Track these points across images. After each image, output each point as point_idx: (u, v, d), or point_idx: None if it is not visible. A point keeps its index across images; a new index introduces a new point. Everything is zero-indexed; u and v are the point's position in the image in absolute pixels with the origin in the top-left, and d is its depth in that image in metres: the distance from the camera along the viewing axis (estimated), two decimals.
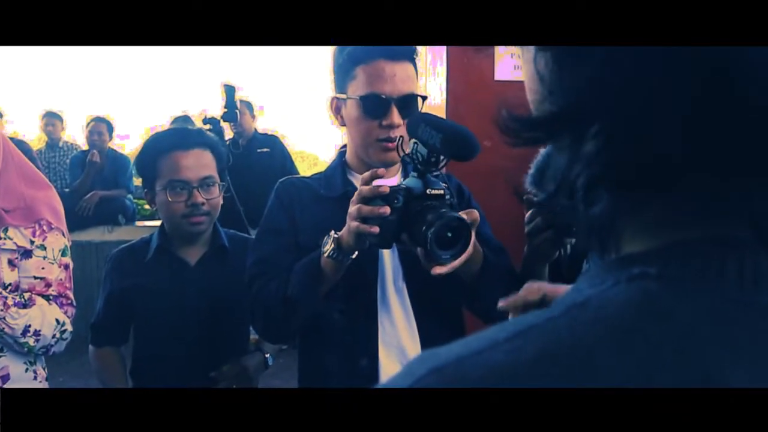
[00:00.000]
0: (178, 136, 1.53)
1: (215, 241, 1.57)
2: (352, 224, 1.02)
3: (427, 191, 1.01)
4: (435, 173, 1.03)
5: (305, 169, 4.54)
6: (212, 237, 1.57)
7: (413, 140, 1.01)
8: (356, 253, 1.07)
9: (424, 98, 1.21)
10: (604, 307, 0.30)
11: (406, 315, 1.20)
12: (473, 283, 1.13)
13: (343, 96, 1.21)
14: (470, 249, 1.01)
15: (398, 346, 1.19)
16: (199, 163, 1.48)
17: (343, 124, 1.25)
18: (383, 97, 1.15)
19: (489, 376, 0.29)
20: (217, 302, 1.51)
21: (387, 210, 0.99)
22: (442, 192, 1.01)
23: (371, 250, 1.18)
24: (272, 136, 4.26)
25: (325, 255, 1.07)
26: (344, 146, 1.30)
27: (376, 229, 1.00)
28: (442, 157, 1.00)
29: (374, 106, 1.15)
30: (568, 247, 1.22)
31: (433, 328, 1.19)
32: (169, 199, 1.46)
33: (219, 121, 3.40)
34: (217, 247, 1.56)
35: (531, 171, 1.12)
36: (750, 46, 0.29)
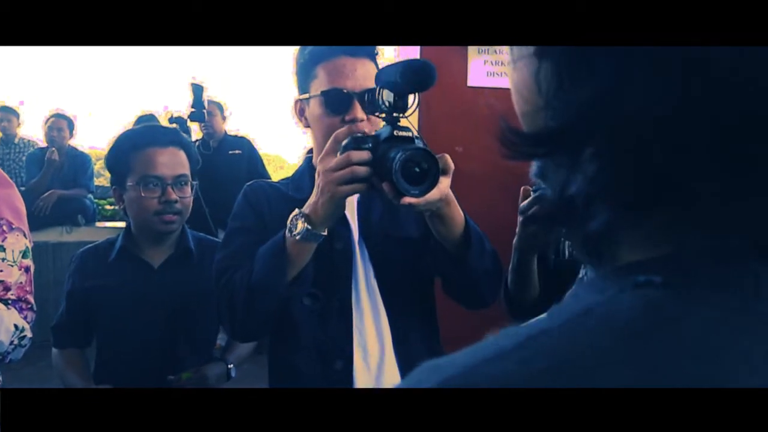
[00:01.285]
0: (155, 133, 1.52)
1: (181, 243, 1.54)
2: (331, 189, 0.99)
3: (395, 133, 0.99)
4: (402, 118, 1.01)
5: (271, 172, 4.47)
6: (178, 239, 1.54)
7: (379, 89, 1.00)
8: (326, 231, 1.04)
9: None
10: (611, 315, 0.30)
11: (378, 315, 1.17)
12: (458, 253, 1.09)
13: (306, 96, 1.20)
14: (443, 190, 0.98)
15: (372, 348, 1.16)
16: (175, 161, 1.46)
17: (307, 126, 1.24)
18: (345, 91, 1.13)
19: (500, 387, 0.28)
20: (181, 306, 1.48)
21: (367, 155, 0.98)
22: (410, 134, 0.99)
23: (343, 248, 1.17)
24: (243, 138, 4.19)
25: (297, 237, 1.03)
26: (311, 150, 1.28)
27: (354, 187, 0.98)
28: (407, 100, 1.00)
29: (336, 101, 1.14)
30: (567, 247, 1.22)
31: (406, 328, 1.18)
32: (142, 195, 1.43)
33: (186, 120, 3.32)
34: (183, 249, 1.53)
35: (534, 165, 1.10)
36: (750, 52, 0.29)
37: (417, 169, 0.94)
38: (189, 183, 1.50)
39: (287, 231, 1.04)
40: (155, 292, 1.47)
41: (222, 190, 3.63)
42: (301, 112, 1.24)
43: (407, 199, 0.94)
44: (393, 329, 1.17)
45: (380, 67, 1.18)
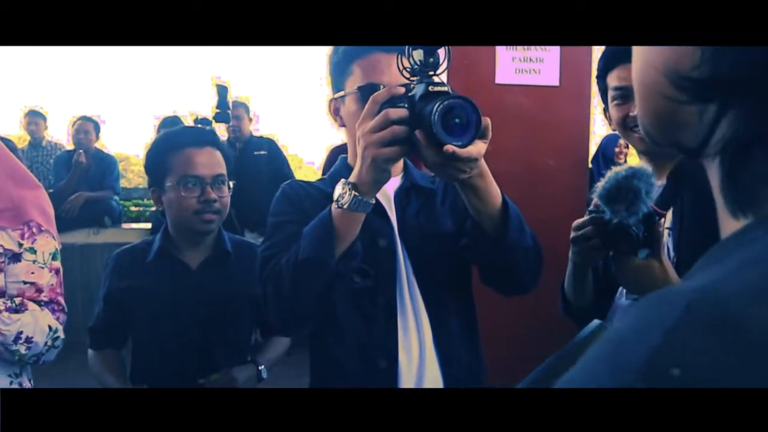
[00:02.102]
0: (192, 134, 1.54)
1: (218, 245, 1.54)
2: (372, 152, 0.95)
3: (430, 89, 0.94)
4: (436, 74, 0.97)
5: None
6: (216, 241, 1.55)
7: (408, 48, 0.97)
8: (374, 199, 1.01)
9: None
10: None
11: (419, 313, 1.16)
12: (496, 231, 1.05)
13: (342, 93, 1.19)
14: (481, 152, 0.93)
15: (413, 347, 1.14)
16: (212, 161, 1.48)
17: (342, 125, 1.23)
18: (382, 86, 1.10)
19: (748, 295, 0.27)
20: (218, 308, 1.48)
21: (404, 112, 0.94)
22: (445, 89, 0.94)
23: (387, 245, 1.15)
24: (269, 139, 4.21)
25: (345, 206, 1.00)
26: (336, 148, 1.28)
27: (395, 149, 0.95)
28: (438, 58, 0.96)
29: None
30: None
31: (446, 326, 1.16)
32: (182, 194, 1.44)
33: (211, 122, 3.33)
34: (220, 251, 1.53)
35: (601, 188, 1.10)
36: None
37: (457, 120, 0.89)
38: (226, 183, 1.51)
39: (335, 203, 1.02)
40: (192, 294, 1.47)
41: (248, 191, 3.63)
42: (336, 111, 1.23)
43: (450, 147, 0.88)
44: (433, 328, 1.15)
45: None
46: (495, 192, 1.03)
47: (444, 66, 0.97)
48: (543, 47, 2.62)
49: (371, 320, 1.14)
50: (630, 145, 1.65)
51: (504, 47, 2.62)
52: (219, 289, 1.49)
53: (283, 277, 1.04)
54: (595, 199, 1.12)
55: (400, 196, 1.22)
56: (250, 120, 4.08)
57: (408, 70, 0.97)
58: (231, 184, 1.53)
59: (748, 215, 0.34)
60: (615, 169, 1.09)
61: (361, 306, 1.14)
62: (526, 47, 2.63)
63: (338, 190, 1.01)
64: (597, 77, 1.35)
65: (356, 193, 0.99)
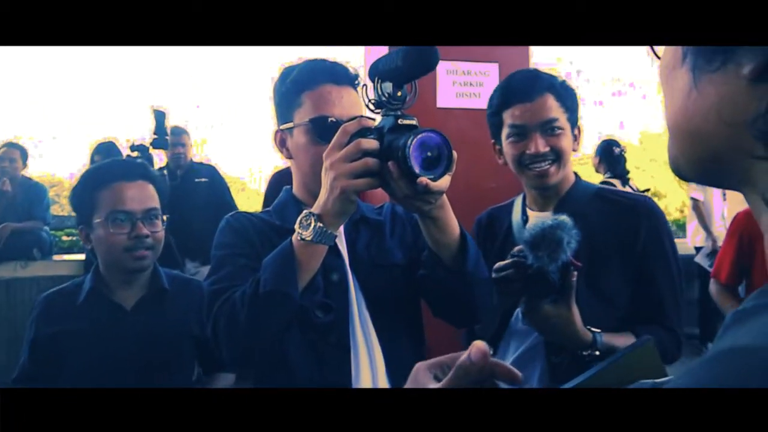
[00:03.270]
0: (122, 167, 1.47)
1: (155, 283, 1.47)
2: (342, 183, 0.94)
3: (399, 122, 0.94)
4: (403, 109, 0.96)
5: (233, 194, 4.38)
6: (151, 278, 1.48)
7: (376, 80, 0.96)
8: (338, 231, 0.99)
9: None
10: None
11: (372, 349, 1.13)
12: (455, 262, 1.05)
13: (290, 125, 1.16)
14: (446, 185, 0.94)
15: (367, 384, 1.11)
16: (144, 195, 1.42)
17: (289, 157, 1.20)
18: (332, 120, 1.11)
19: None
20: (157, 349, 1.41)
21: (375, 143, 0.93)
22: (414, 122, 0.95)
23: (340, 280, 1.12)
24: (210, 165, 4.10)
25: (308, 239, 0.97)
26: (278, 173, 1.26)
27: (367, 181, 0.93)
28: (406, 92, 0.96)
29: (323, 129, 1.11)
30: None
31: (398, 361, 1.13)
32: (111, 231, 1.37)
33: (148, 148, 3.22)
34: (157, 289, 1.46)
35: (527, 235, 1.14)
36: None
37: (429, 153, 0.90)
38: (159, 217, 1.44)
39: (296, 234, 0.99)
40: (129, 336, 1.39)
41: (189, 220, 3.53)
42: (282, 143, 1.20)
43: (424, 180, 0.88)
44: (387, 362, 1.12)
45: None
46: (454, 223, 1.04)
47: (412, 100, 0.97)
48: (483, 71, 2.68)
49: (323, 359, 1.10)
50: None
51: (444, 71, 2.66)
52: (157, 329, 1.42)
53: (238, 311, 1.00)
54: (520, 245, 1.16)
55: (350, 228, 1.20)
56: (190, 146, 3.97)
57: (374, 102, 0.96)
58: (165, 217, 1.47)
59: None
60: (541, 218, 1.14)
61: (312, 344, 1.10)
62: (466, 72, 2.67)
63: (300, 221, 0.99)
64: (492, 113, 1.36)
65: (321, 225, 0.97)
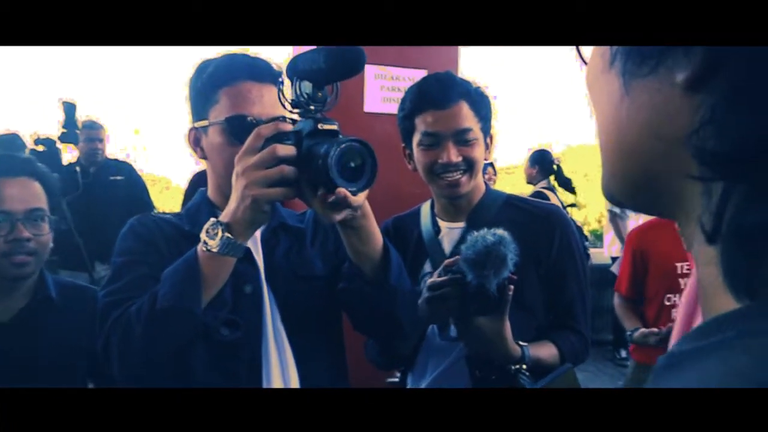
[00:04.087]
0: (2, 163, 1.30)
1: (39, 291, 1.31)
2: (255, 191, 0.87)
3: (319, 126, 0.89)
4: (323, 111, 0.92)
5: (156, 193, 4.19)
6: (35, 286, 1.32)
7: (295, 79, 0.91)
8: (247, 242, 0.93)
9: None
10: None
11: (286, 366, 1.06)
12: (377, 274, 1.00)
13: (204, 123, 1.08)
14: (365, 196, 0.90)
15: None
16: (26, 194, 1.27)
17: (203, 157, 1.12)
18: (250, 119, 1.04)
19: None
20: (41, 364, 1.25)
21: (293, 150, 0.87)
22: (335, 127, 0.89)
23: (253, 291, 1.05)
24: (125, 163, 3.89)
25: (215, 250, 0.90)
26: (200, 173, 1.19)
27: (281, 191, 0.88)
28: (327, 93, 0.91)
29: (241, 129, 1.03)
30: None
31: (314, 378, 1.08)
32: None
33: (55, 141, 3.02)
34: (42, 299, 1.31)
35: (470, 252, 1.11)
36: None
37: (352, 164, 0.85)
38: (46, 218, 1.29)
39: (202, 245, 0.92)
40: (7, 351, 1.24)
41: (101, 220, 3.34)
42: (196, 142, 1.12)
43: (342, 191, 0.84)
44: (302, 380, 1.06)
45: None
46: (377, 233, 0.99)
47: (333, 102, 0.92)
48: (411, 77, 2.68)
49: (232, 379, 1.02)
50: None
51: (373, 76, 2.65)
52: (41, 342, 1.27)
53: (133, 327, 0.92)
54: (456, 261, 1.14)
55: (268, 236, 1.12)
56: (104, 141, 3.75)
57: (291, 102, 0.91)
58: (54, 219, 1.32)
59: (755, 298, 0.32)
60: (476, 234, 1.12)
61: (221, 363, 1.02)
62: (393, 77, 2.67)
63: (207, 230, 0.91)
64: (404, 116, 1.32)
65: (229, 235, 0.90)
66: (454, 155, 1.24)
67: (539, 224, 1.32)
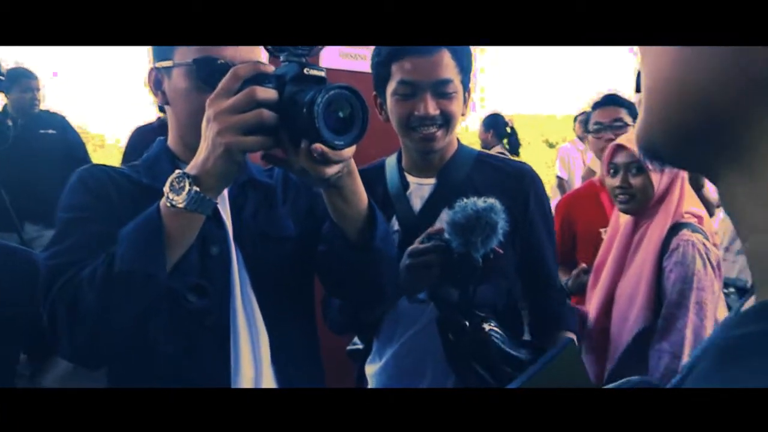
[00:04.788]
0: None
1: None
2: (229, 139, 0.77)
3: (305, 71, 0.80)
4: (309, 57, 0.83)
5: (90, 151, 3.92)
6: None
7: None
8: (218, 198, 0.83)
9: None
10: None
11: (256, 333, 0.98)
12: (362, 237, 0.93)
13: (168, 63, 0.97)
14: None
15: (246, 371, 0.97)
16: None
17: (166, 103, 1.01)
18: (221, 62, 0.93)
19: None
20: None
21: (274, 94, 0.78)
22: (323, 74, 0.81)
23: (220, 253, 0.96)
24: (59, 115, 3.58)
25: (181, 205, 0.80)
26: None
27: (259, 140, 0.79)
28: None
29: (210, 73, 0.92)
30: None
31: (285, 346, 1.00)
32: None
33: None
34: None
35: (458, 218, 1.06)
36: None
37: (341, 114, 0.77)
38: None
39: (165, 200, 0.81)
40: None
41: (30, 176, 3.11)
42: (157, 84, 1.00)
43: (319, 146, 0.76)
44: (273, 348, 0.99)
45: None
46: (361, 192, 0.91)
47: (319, 47, 0.83)
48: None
49: (197, 347, 0.93)
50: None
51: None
52: None
53: (85, 294, 0.81)
54: (442, 227, 1.09)
55: (236, 193, 1.02)
56: (37, 90, 3.45)
57: (274, 46, 0.81)
58: None
59: None
60: (466, 201, 1.07)
61: (185, 331, 0.92)
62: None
63: (172, 183, 0.81)
64: (379, 62, 1.21)
65: (197, 189, 0.80)
66: (432, 108, 1.16)
67: (513, 183, 1.28)
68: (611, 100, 2.21)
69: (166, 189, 0.81)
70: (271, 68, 0.82)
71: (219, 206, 0.97)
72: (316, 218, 1.04)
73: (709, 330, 1.44)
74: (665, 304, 1.47)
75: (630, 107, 2.18)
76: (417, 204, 1.27)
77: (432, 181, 1.27)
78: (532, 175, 1.32)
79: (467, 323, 1.14)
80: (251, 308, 0.98)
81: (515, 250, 1.27)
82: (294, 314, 1.04)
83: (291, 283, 1.03)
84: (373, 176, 1.31)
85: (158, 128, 3.02)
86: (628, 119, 2.16)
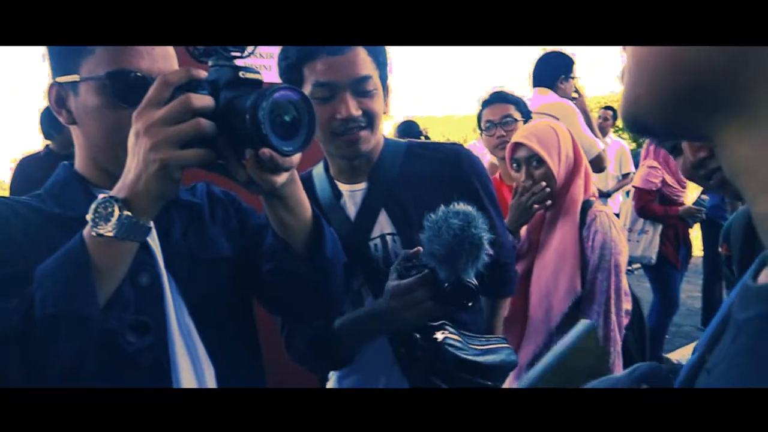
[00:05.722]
0: None
1: None
2: (164, 154, 0.69)
3: (240, 74, 0.74)
4: (243, 58, 0.77)
5: None
6: None
7: None
8: (151, 223, 0.75)
9: None
10: None
11: (199, 364, 0.90)
12: (308, 247, 0.87)
13: (74, 78, 0.86)
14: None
15: None
16: None
17: (72, 122, 0.90)
18: (138, 74, 0.85)
19: None
20: None
21: (210, 100, 0.72)
22: (259, 77, 0.75)
23: (151, 283, 0.86)
24: None
25: (111, 233, 0.71)
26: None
27: (198, 153, 0.72)
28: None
29: (126, 88, 0.84)
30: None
31: (230, 375, 0.92)
32: None
33: None
34: None
35: (437, 246, 0.99)
36: None
37: (287, 118, 0.71)
38: None
39: (90, 229, 0.71)
40: None
41: None
42: (60, 102, 0.90)
43: (267, 151, 0.71)
44: (218, 379, 0.91)
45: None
46: (305, 201, 0.85)
47: (253, 48, 0.76)
48: (270, 53, 2.49)
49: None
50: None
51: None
52: None
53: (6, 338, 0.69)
54: (417, 249, 1.03)
55: (158, 215, 0.93)
56: None
57: (200, 49, 0.74)
58: None
59: None
60: (434, 218, 1.00)
61: (119, 373, 0.81)
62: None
63: (96, 210, 0.71)
64: (288, 66, 1.14)
65: (128, 213, 0.71)
66: (353, 108, 1.10)
67: (451, 170, 1.25)
68: (499, 98, 2.23)
69: (89, 217, 0.72)
70: (203, 74, 0.75)
71: None
72: (248, 236, 0.97)
73: (626, 287, 1.64)
74: (589, 270, 1.62)
75: (518, 103, 2.22)
76: (352, 211, 1.23)
77: (363, 185, 1.22)
78: (468, 156, 1.29)
79: (418, 336, 1.10)
80: (191, 339, 0.89)
81: None
82: (237, 341, 0.96)
83: (230, 308, 0.96)
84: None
85: (45, 157, 2.79)
86: (516, 115, 2.18)
